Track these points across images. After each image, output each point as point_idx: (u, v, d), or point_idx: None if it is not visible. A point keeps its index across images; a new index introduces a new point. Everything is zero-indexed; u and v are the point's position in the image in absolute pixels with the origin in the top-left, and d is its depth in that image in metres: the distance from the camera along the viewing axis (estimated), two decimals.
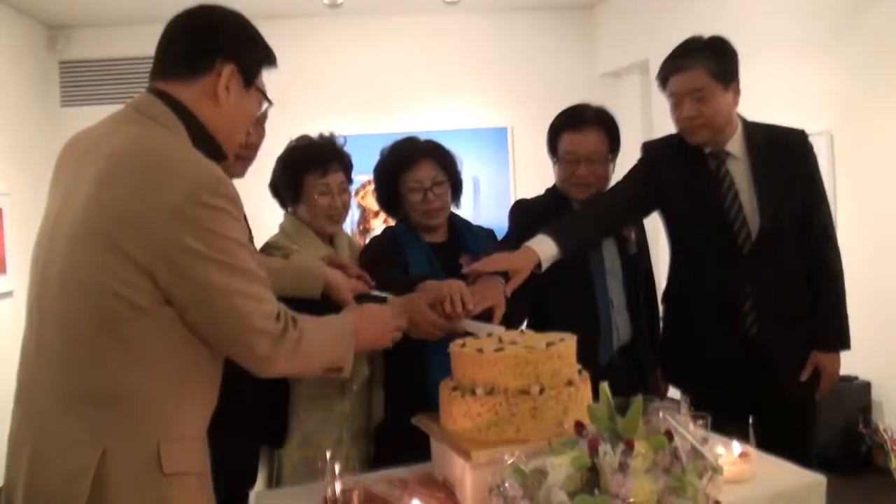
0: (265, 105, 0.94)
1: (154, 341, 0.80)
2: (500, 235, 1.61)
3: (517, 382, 0.98)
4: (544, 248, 1.36)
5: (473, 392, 1.00)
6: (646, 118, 3.35)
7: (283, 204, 1.48)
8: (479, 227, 1.61)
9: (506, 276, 1.29)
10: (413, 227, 1.49)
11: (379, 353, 1.36)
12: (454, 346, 1.06)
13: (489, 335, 1.13)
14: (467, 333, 1.13)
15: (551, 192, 1.59)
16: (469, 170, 3.31)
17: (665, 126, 1.51)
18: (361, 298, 1.18)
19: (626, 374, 1.47)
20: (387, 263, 1.37)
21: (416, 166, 1.44)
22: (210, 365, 0.86)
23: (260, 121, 1.16)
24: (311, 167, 1.41)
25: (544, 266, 1.35)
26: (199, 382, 0.86)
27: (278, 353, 0.87)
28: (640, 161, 1.51)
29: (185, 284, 0.80)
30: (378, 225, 3.27)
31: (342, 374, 0.97)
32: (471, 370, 1.02)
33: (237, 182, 1.01)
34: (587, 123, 1.48)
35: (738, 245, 1.39)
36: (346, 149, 1.48)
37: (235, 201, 0.83)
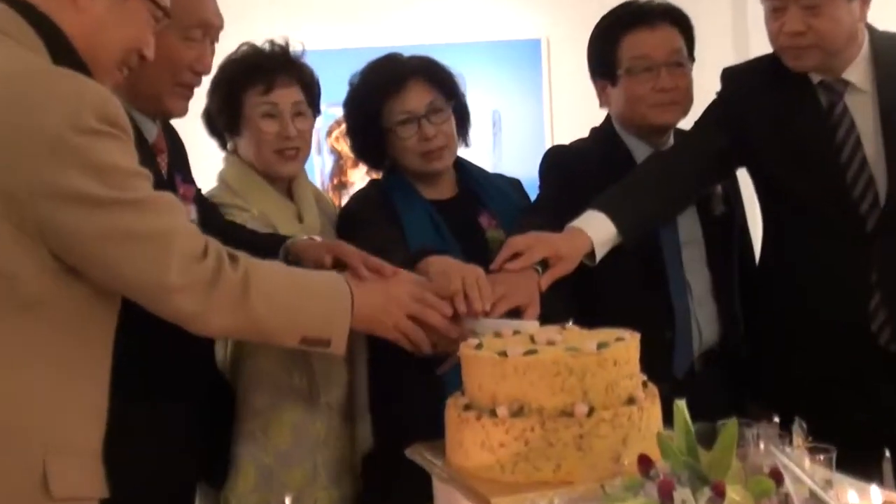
0: (159, 16, 1.00)
1: (25, 339, 0.87)
2: (530, 193, 1.62)
3: (556, 400, 0.98)
4: (598, 229, 1.37)
5: (493, 413, 0.99)
6: (739, 39, 3.15)
7: (222, 141, 1.49)
8: (500, 176, 1.63)
9: (542, 264, 1.31)
10: (407, 179, 1.49)
11: (364, 355, 1.40)
12: (465, 348, 1.06)
13: (516, 333, 1.13)
14: (475, 335, 1.15)
15: (602, 135, 1.59)
16: (487, 101, 3.25)
17: (764, 46, 1.49)
18: None
19: (712, 389, 1.48)
20: (375, 233, 1.39)
21: (402, 91, 1.44)
22: (96, 364, 0.92)
23: (194, 36, 1.20)
24: (251, 81, 1.41)
25: (599, 254, 1.37)
26: (84, 383, 0.92)
27: (212, 303, 0.94)
28: (720, 97, 1.53)
29: (76, 236, 0.87)
30: (359, 178, 3.16)
31: (330, 350, 1.04)
32: (490, 381, 1.01)
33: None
34: (658, 19, 1.50)
35: (859, 215, 1.39)
36: (308, 62, 1.47)
37: (126, 127, 0.89)
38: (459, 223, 1.47)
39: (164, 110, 1.22)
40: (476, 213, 1.50)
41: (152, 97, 1.20)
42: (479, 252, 1.42)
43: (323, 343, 1.06)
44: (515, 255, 1.31)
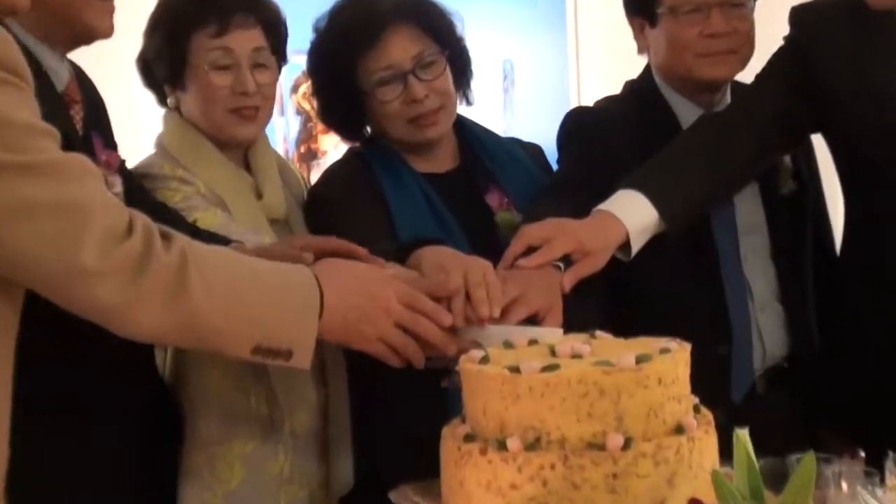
0: None
1: None
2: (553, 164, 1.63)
3: (583, 428, 0.98)
4: (634, 214, 1.39)
5: (502, 445, 0.99)
6: None
7: (160, 95, 1.49)
8: (515, 142, 1.64)
9: (564, 259, 1.33)
10: (394, 148, 1.51)
11: (341, 367, 1.43)
12: (467, 362, 1.06)
13: (532, 343, 1.14)
14: (478, 345, 1.16)
15: (639, 92, 1.60)
16: (495, 48, 3.18)
17: None
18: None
19: (780, 415, 1.49)
20: (355, 218, 1.42)
21: (381, 41, 1.44)
22: None
23: None
24: (199, 19, 1.40)
25: (635, 247, 1.39)
26: None
27: (139, 293, 0.94)
28: (789, 42, 1.53)
29: None
30: (333, 146, 3.21)
31: (291, 364, 1.05)
32: (498, 405, 1.01)
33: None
34: None
35: None
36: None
37: (25, 73, 0.87)
38: (462, 203, 1.48)
39: (85, 29, 1.19)
40: (483, 190, 1.51)
41: (67, 14, 1.16)
42: (486, 240, 1.43)
43: (282, 355, 1.07)
44: (531, 250, 1.32)
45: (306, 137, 3.44)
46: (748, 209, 1.55)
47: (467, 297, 1.20)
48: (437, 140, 1.50)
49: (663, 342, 1.06)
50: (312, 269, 1.13)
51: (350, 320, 1.13)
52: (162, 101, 1.49)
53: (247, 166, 1.49)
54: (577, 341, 1.09)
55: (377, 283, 1.17)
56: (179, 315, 0.99)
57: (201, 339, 1.05)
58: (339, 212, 1.44)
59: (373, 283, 1.17)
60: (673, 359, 1.01)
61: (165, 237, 0.99)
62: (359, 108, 1.48)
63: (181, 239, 1.01)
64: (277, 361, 1.08)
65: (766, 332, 1.53)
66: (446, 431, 1.07)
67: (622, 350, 1.04)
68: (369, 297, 1.15)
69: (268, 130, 1.56)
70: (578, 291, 1.33)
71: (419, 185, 1.48)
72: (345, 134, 1.58)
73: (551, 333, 1.18)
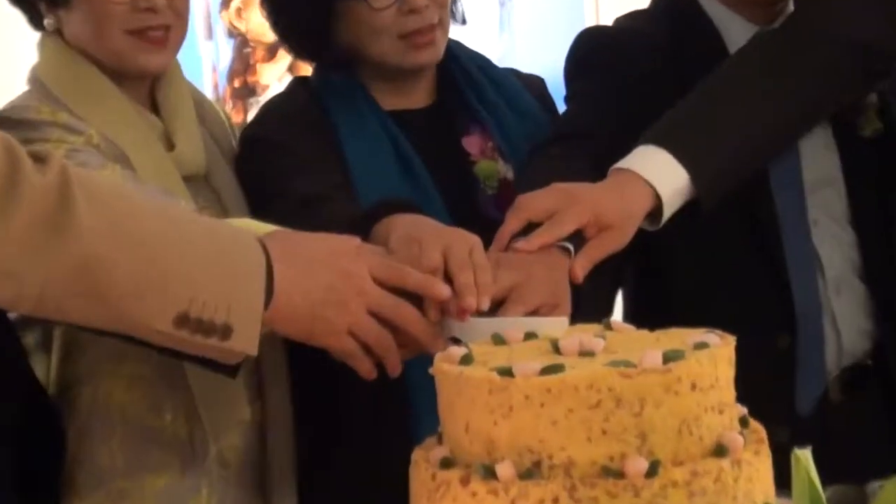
0: None
1: None
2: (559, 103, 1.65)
3: (595, 449, 0.98)
4: (661, 174, 1.42)
5: (491, 473, 0.99)
6: None
7: (34, 14, 1.48)
8: (510, 73, 1.68)
9: (575, 237, 1.36)
10: (358, 78, 1.57)
11: (283, 377, 1.46)
12: (443, 363, 1.06)
13: (529, 337, 1.15)
14: (457, 342, 1.18)
15: (671, 4, 1.63)
16: None
17: None
18: None
19: (859, 430, 1.51)
20: (301, 172, 1.48)
21: None
22: None
23: None
24: None
25: (668, 212, 1.42)
26: None
27: (7, 230, 0.96)
28: None
29: None
30: (276, 78, 3.25)
31: (229, 346, 1.08)
32: (485, 419, 1.01)
33: None
34: None
35: None
36: None
37: None
38: (435, 151, 1.53)
39: None
40: (461, 131, 1.56)
41: None
42: (468, 202, 1.50)
43: (216, 331, 1.08)
44: (531, 227, 1.34)
45: (242, 68, 3.41)
46: (818, 158, 1.57)
47: (446, 280, 1.22)
48: (431, 62, 1.54)
49: (700, 334, 1.06)
50: (261, 238, 1.15)
51: (311, 304, 1.16)
52: (36, 22, 1.49)
53: (153, 107, 1.50)
54: (588, 335, 1.09)
55: (346, 255, 1.20)
56: (64, 262, 1.00)
57: (100, 298, 1.05)
58: (278, 162, 1.47)
59: (340, 253, 1.20)
60: (712, 356, 1.01)
61: (39, 159, 0.99)
62: (327, 21, 1.51)
63: (61, 162, 1.01)
64: (210, 341, 1.09)
65: (843, 319, 1.55)
66: (418, 455, 1.07)
67: (645, 345, 1.04)
68: (337, 272, 1.19)
69: (191, 59, 1.59)
70: (593, 277, 1.36)
71: (385, 128, 1.53)
72: (305, 51, 1.60)
73: (553, 325, 1.19)
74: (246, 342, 1.10)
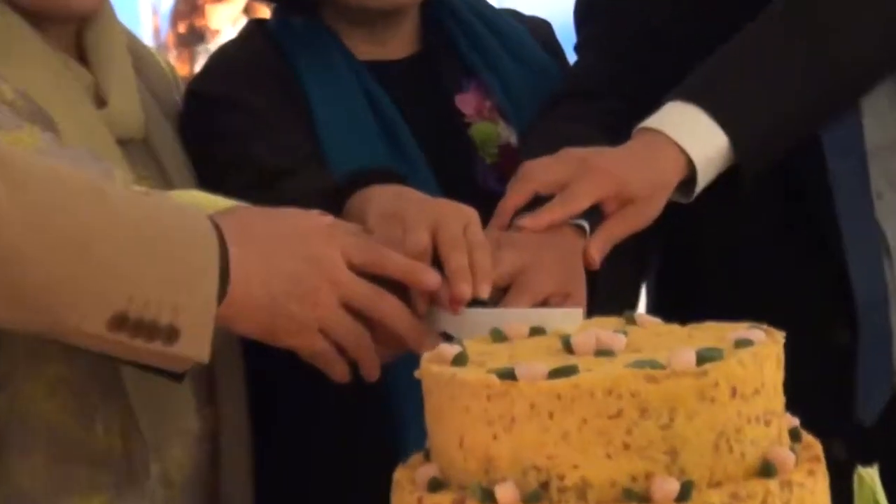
0: None
1: None
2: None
3: (616, 468, 0.98)
4: (696, 134, 1.43)
5: (489, 496, 0.99)
6: None
7: None
8: (510, 16, 1.70)
9: (591, 213, 1.38)
10: (326, 22, 1.58)
11: (238, 382, 1.47)
12: (430, 364, 1.07)
13: (535, 333, 1.15)
14: (449, 338, 1.21)
15: None
16: None
17: None
18: None
19: None
20: (261, 130, 1.50)
21: None
22: None
23: None
24: None
25: (703, 181, 1.44)
26: None
27: None
28: None
29: None
30: (231, 22, 3.26)
31: (176, 351, 1.10)
32: (482, 432, 1.02)
33: None
34: None
35: None
36: None
37: None
38: (421, 109, 1.55)
39: None
40: (454, 88, 1.57)
41: None
42: (461, 172, 1.51)
43: (160, 334, 1.09)
44: (539, 201, 1.35)
45: (187, 9, 3.42)
46: (884, 118, 1.58)
47: (435, 265, 1.23)
48: (402, 8, 1.55)
49: (741, 330, 1.06)
50: (213, 218, 1.16)
51: (273, 296, 1.17)
52: None
53: (81, 56, 1.49)
54: (606, 330, 1.09)
55: (315, 236, 1.21)
56: None
57: (18, 298, 1.05)
58: (231, 124, 1.48)
59: (308, 234, 1.21)
60: (757, 356, 1.01)
61: None
62: None
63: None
64: (153, 345, 1.10)
65: None
66: (401, 475, 1.08)
67: (676, 343, 1.04)
68: (305, 257, 1.20)
69: (124, 3, 1.59)
70: (614, 260, 1.37)
71: (361, 82, 1.53)
72: None
73: (565, 318, 1.19)
74: (196, 346, 1.11)
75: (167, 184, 1.45)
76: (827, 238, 1.54)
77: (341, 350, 1.23)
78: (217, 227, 1.15)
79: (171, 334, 1.10)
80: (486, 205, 1.35)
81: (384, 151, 1.50)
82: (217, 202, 1.27)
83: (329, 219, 1.27)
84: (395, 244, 1.24)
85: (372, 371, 1.24)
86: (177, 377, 1.19)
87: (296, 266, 1.19)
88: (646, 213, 1.41)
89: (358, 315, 1.22)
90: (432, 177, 1.49)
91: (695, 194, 1.43)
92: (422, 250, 1.23)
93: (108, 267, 1.08)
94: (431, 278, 1.22)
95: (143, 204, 1.18)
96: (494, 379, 0.99)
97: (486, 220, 1.33)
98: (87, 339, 1.10)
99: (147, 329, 1.09)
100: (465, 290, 1.22)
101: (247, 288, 1.16)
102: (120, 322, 1.08)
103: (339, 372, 1.24)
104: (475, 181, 1.52)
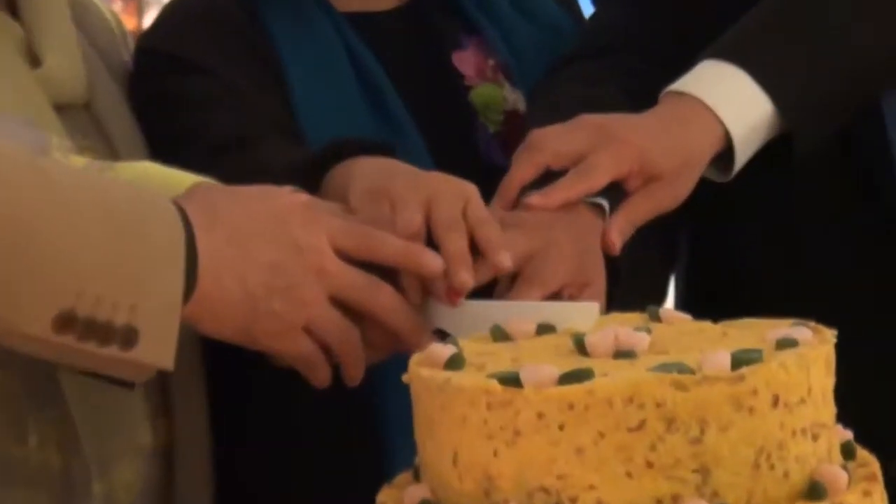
0: None
1: None
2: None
3: (638, 489, 0.99)
4: (734, 100, 1.45)
5: None
6: None
7: None
8: None
9: (611, 191, 1.39)
10: None
11: (199, 388, 1.49)
12: (420, 367, 1.07)
13: (544, 330, 1.16)
14: (443, 335, 1.22)
15: None
16: None
17: None
18: None
19: None
20: (224, 93, 1.52)
21: None
22: None
23: None
24: None
25: (742, 157, 1.45)
26: None
27: None
28: None
29: None
30: None
31: (132, 356, 1.10)
32: (481, 447, 1.02)
33: None
34: None
35: None
36: None
37: None
38: (412, 68, 1.56)
39: None
40: (450, 43, 1.57)
41: None
42: (461, 143, 1.52)
43: (115, 336, 1.09)
44: (549, 176, 1.36)
45: None
46: None
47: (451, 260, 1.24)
48: None
49: (784, 327, 1.06)
50: (177, 199, 1.17)
51: (250, 292, 1.18)
52: None
53: (10, 7, 1.49)
54: (627, 327, 1.09)
55: (295, 217, 1.21)
56: None
57: None
58: (188, 86, 1.49)
59: (287, 216, 1.21)
60: (803, 359, 1.01)
61: None
62: None
63: None
64: (107, 350, 1.09)
65: None
66: (387, 496, 1.09)
67: (708, 343, 1.04)
68: (285, 244, 1.21)
69: None
70: (637, 246, 1.38)
71: (342, 38, 1.54)
72: None
73: (579, 313, 1.20)
74: (158, 351, 1.11)
75: (113, 155, 1.45)
76: (890, 223, 1.55)
77: (326, 351, 1.23)
78: (182, 211, 1.15)
79: (129, 337, 1.09)
80: (488, 180, 1.35)
81: (369, 118, 1.50)
82: (172, 176, 1.27)
83: (305, 197, 1.27)
84: (383, 226, 1.25)
85: (356, 374, 1.24)
86: (128, 384, 1.18)
87: (275, 254, 1.19)
88: (674, 192, 1.41)
89: (346, 310, 1.22)
90: (425, 148, 1.50)
91: (734, 171, 1.44)
92: (414, 232, 1.23)
93: (51, 257, 1.07)
94: (434, 261, 1.23)
95: (93, 183, 1.18)
96: (495, 384, 0.99)
97: (488, 197, 1.33)
98: (30, 342, 1.09)
99: (100, 331, 1.08)
100: (465, 278, 1.23)
101: (218, 282, 1.16)
102: (67, 322, 1.07)
103: (321, 377, 1.24)
104: (476, 153, 1.53)
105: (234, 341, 1.23)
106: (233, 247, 1.17)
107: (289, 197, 1.24)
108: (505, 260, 1.24)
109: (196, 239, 1.14)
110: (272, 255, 1.19)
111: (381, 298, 1.23)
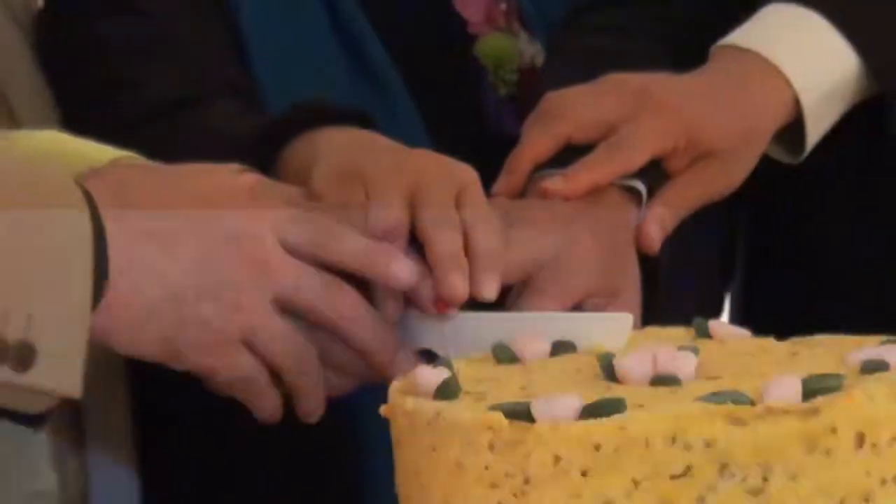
0: None
1: None
2: None
3: None
4: (807, 56, 1.48)
5: None
6: None
7: None
8: None
9: (650, 172, 1.42)
10: None
11: (120, 420, 1.50)
12: (404, 396, 1.08)
13: (560, 350, 1.17)
14: (431, 357, 1.25)
15: None
16: None
17: None
18: None
19: None
20: (155, 47, 1.55)
21: None
22: None
23: None
24: None
25: (815, 131, 1.48)
26: None
27: None
28: None
29: None
30: None
31: (26, 380, 1.11)
32: (477, 498, 1.02)
33: None
34: None
35: None
36: None
37: None
38: (404, 16, 1.56)
39: None
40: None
41: None
42: (467, 111, 1.53)
43: (7, 354, 1.09)
44: (571, 152, 1.36)
45: None
46: None
47: (414, 248, 1.25)
48: None
49: (870, 346, 1.07)
50: (82, 180, 1.18)
51: (173, 295, 1.19)
52: None
53: None
54: (668, 346, 1.10)
55: (233, 202, 1.24)
56: None
57: None
58: (114, 29, 1.49)
59: (225, 204, 1.24)
60: (894, 386, 1.00)
61: None
62: None
63: None
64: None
65: None
66: None
67: (771, 366, 1.05)
68: (221, 238, 1.22)
69: None
70: (683, 243, 1.39)
71: None
72: None
73: (607, 327, 1.21)
74: (61, 374, 1.10)
75: (12, 121, 1.45)
76: None
77: (273, 375, 1.23)
78: (88, 196, 1.14)
79: (24, 355, 1.09)
80: (497, 157, 1.36)
81: (343, 75, 1.51)
82: (84, 150, 1.27)
83: (252, 178, 1.27)
84: (353, 218, 1.24)
85: (312, 407, 1.24)
86: (33, 421, 1.17)
87: (206, 249, 1.19)
88: (730, 174, 1.41)
89: (300, 322, 1.22)
90: (416, 115, 1.50)
91: (806, 149, 1.44)
92: (392, 226, 1.23)
93: None
94: (403, 271, 1.22)
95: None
96: (500, 419, 0.99)
97: (494, 178, 1.34)
98: None
99: None
100: (458, 286, 1.22)
101: (134, 283, 1.16)
102: None
103: (269, 407, 1.23)
104: (482, 122, 1.53)
105: (157, 359, 1.23)
106: (152, 239, 1.17)
107: (229, 178, 1.25)
108: (488, 287, 1.23)
109: (106, 230, 1.13)
110: (202, 249, 1.19)
111: (342, 305, 1.23)
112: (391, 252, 1.23)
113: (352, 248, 1.22)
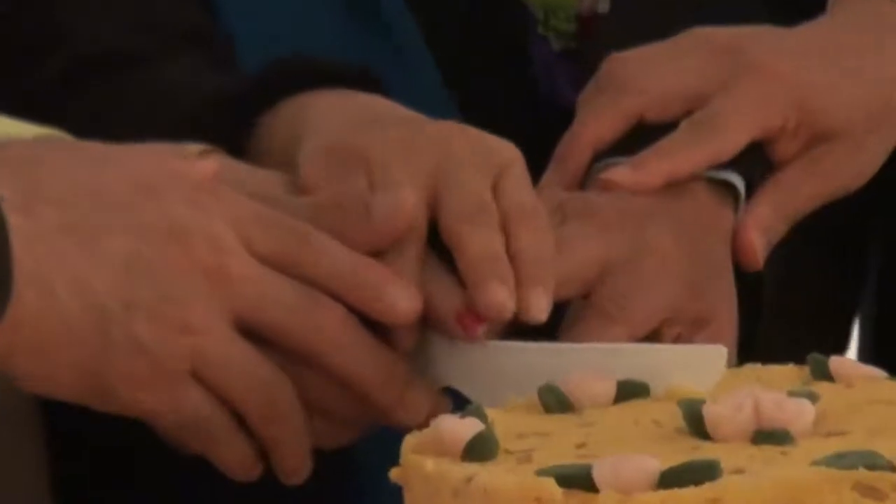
0: None
1: None
2: None
3: None
4: None
5: None
6: None
7: None
8: None
9: (749, 159, 1.48)
10: None
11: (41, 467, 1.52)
12: (419, 453, 1.08)
13: (627, 395, 1.17)
14: (457, 400, 1.28)
15: None
16: None
17: None
18: None
19: None
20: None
21: None
22: None
23: None
24: None
25: None
26: None
27: None
28: None
29: None
30: None
31: None
32: None
33: None
34: None
35: None
36: None
37: None
38: None
39: None
40: None
41: None
42: (495, 72, 1.53)
43: None
44: (641, 133, 1.34)
45: None
46: None
47: (436, 250, 1.25)
48: None
49: None
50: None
51: (100, 310, 1.19)
52: None
53: None
54: (776, 391, 1.09)
55: (184, 195, 1.25)
56: None
57: None
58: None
59: (168, 193, 1.25)
60: None
61: None
62: None
63: None
64: None
65: None
66: None
67: None
68: (163, 234, 1.23)
69: None
70: (794, 256, 1.41)
71: None
72: None
73: (693, 362, 1.21)
74: None
75: None
76: None
77: (239, 419, 1.22)
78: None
79: None
80: (548, 132, 1.37)
81: (342, 23, 1.52)
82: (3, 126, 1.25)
83: (213, 161, 1.27)
84: (350, 214, 1.24)
85: (293, 464, 1.23)
86: None
87: (142, 249, 1.19)
88: (857, 163, 1.42)
89: (270, 348, 1.22)
90: (438, 76, 1.51)
91: None
92: (404, 221, 1.22)
93: None
94: (406, 300, 1.22)
95: None
96: (552, 487, 0.97)
97: (547, 159, 1.34)
98: None
99: None
100: (499, 300, 1.21)
101: (46, 291, 1.16)
102: None
103: (234, 459, 1.23)
104: (529, 84, 1.52)
105: (78, 398, 1.23)
106: (70, 236, 1.17)
107: (180, 160, 1.25)
108: (535, 307, 1.23)
109: (8, 224, 1.13)
110: (134, 249, 1.19)
111: (326, 325, 1.22)
112: (387, 273, 1.22)
113: (332, 262, 1.22)
